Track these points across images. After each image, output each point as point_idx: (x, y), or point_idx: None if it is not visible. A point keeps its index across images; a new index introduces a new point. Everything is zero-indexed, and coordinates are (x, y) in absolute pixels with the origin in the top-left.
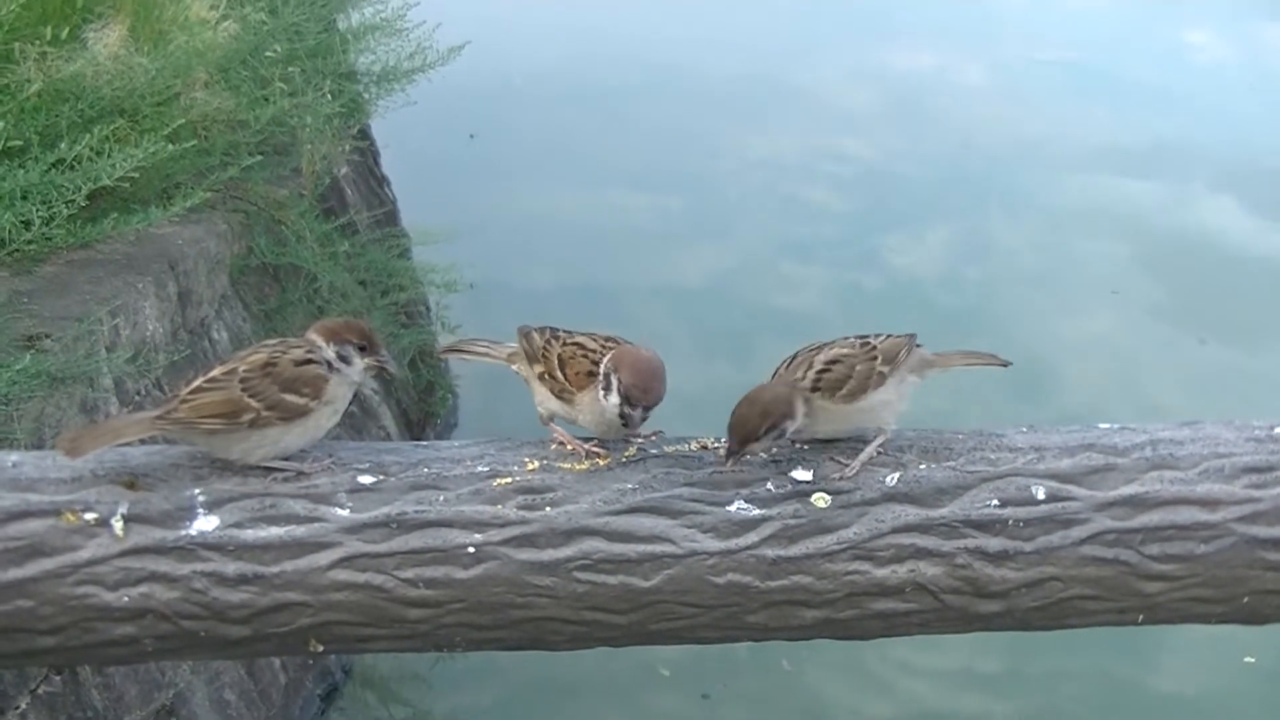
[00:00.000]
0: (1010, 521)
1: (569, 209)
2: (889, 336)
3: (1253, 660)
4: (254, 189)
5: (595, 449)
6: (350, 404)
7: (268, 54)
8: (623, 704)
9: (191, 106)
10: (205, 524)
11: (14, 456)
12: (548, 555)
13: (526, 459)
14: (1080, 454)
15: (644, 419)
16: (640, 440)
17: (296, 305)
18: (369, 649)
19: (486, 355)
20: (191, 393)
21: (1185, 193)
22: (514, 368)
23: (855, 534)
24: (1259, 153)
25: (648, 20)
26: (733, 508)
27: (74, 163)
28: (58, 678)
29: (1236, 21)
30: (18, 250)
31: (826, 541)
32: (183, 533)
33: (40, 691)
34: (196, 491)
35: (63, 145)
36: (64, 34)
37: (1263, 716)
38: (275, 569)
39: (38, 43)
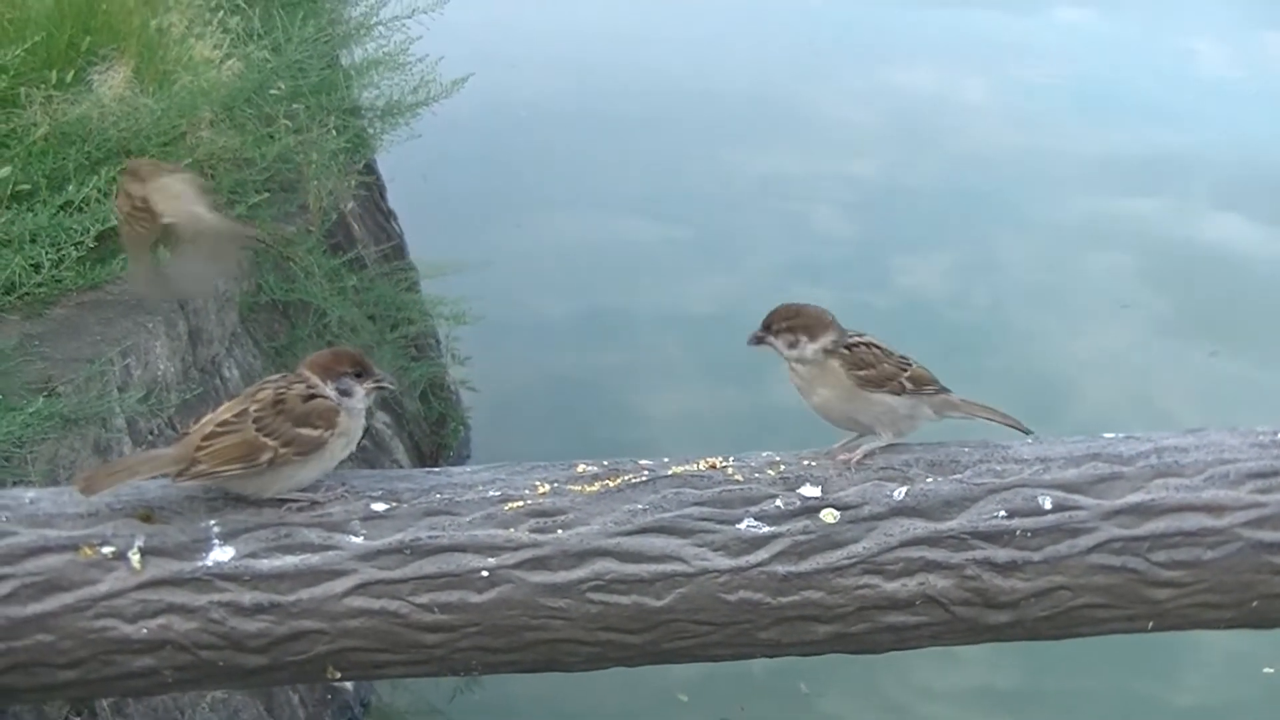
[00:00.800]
0: (1018, 532)
1: (576, 237)
2: (926, 370)
3: (1272, 670)
4: (261, 226)
5: None
6: (362, 438)
7: (272, 92)
8: None
9: (197, 146)
10: (221, 555)
11: (31, 493)
12: (561, 577)
13: (537, 482)
14: (1086, 463)
15: None
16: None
17: (306, 341)
18: (385, 675)
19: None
20: (206, 439)
21: (1191, 204)
22: None
23: (865, 548)
24: (1264, 162)
25: (650, 48)
26: (743, 525)
27: (82, 205)
28: (77, 718)
29: (1238, 31)
30: (28, 293)
31: (836, 556)
32: (199, 564)
33: None
34: (212, 523)
35: (70, 188)
36: (69, 77)
37: None
38: (291, 598)
39: (43, 86)
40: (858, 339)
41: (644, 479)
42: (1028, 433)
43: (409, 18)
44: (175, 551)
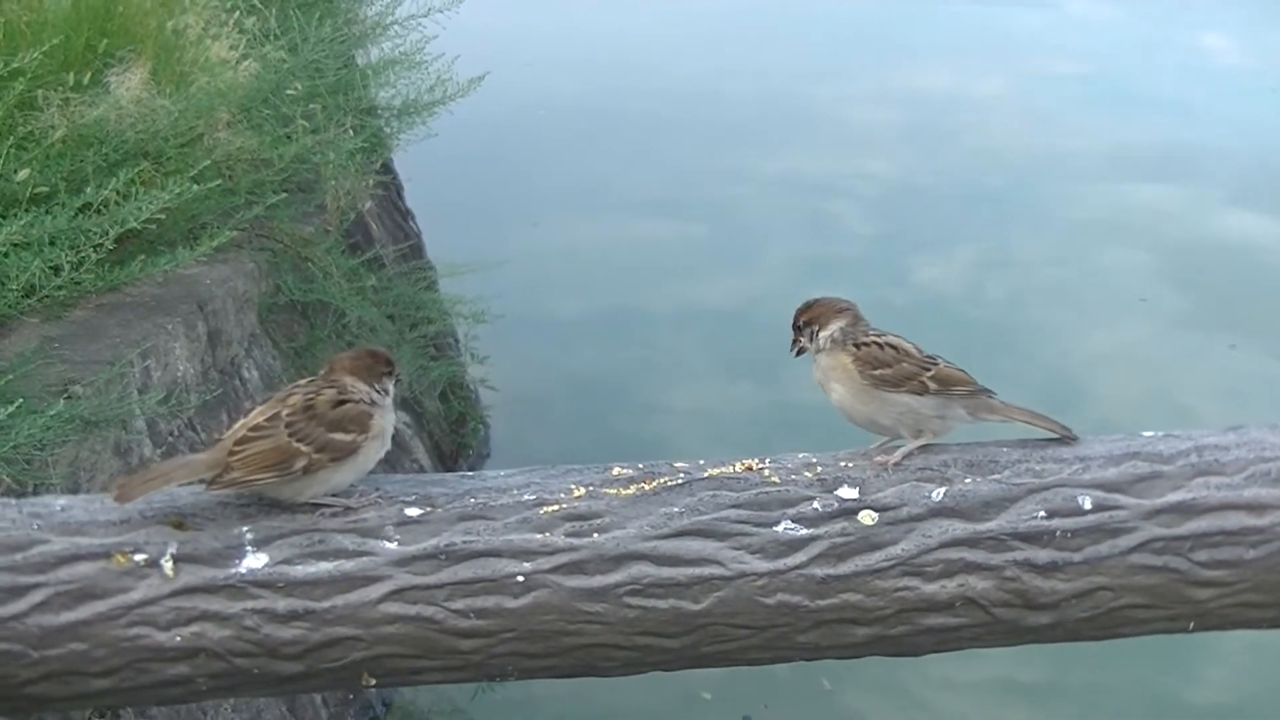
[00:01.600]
0: (1058, 532)
1: (594, 236)
2: (960, 370)
3: None
4: (279, 227)
5: None
6: None
7: (289, 92)
8: None
9: (215, 147)
10: (255, 561)
11: (62, 500)
12: (597, 581)
13: (572, 485)
14: (1125, 463)
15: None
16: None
17: (326, 341)
18: (421, 681)
19: None
20: (238, 444)
21: (1207, 198)
22: None
23: (903, 550)
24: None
25: (668, 48)
26: (780, 528)
27: (100, 207)
28: (100, 719)
29: (1252, 26)
30: (47, 296)
31: (875, 559)
32: (233, 571)
33: None
34: (245, 529)
35: (89, 190)
36: (86, 80)
37: None
38: (326, 604)
39: (60, 89)
40: (876, 337)
41: (680, 482)
42: (1074, 439)
43: (425, 17)
44: (208, 558)
